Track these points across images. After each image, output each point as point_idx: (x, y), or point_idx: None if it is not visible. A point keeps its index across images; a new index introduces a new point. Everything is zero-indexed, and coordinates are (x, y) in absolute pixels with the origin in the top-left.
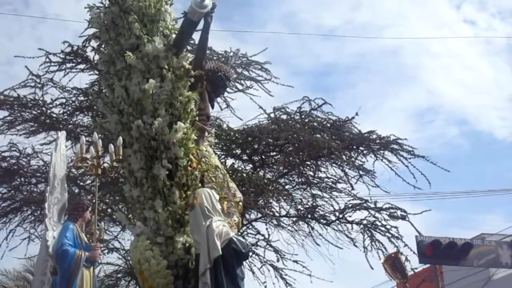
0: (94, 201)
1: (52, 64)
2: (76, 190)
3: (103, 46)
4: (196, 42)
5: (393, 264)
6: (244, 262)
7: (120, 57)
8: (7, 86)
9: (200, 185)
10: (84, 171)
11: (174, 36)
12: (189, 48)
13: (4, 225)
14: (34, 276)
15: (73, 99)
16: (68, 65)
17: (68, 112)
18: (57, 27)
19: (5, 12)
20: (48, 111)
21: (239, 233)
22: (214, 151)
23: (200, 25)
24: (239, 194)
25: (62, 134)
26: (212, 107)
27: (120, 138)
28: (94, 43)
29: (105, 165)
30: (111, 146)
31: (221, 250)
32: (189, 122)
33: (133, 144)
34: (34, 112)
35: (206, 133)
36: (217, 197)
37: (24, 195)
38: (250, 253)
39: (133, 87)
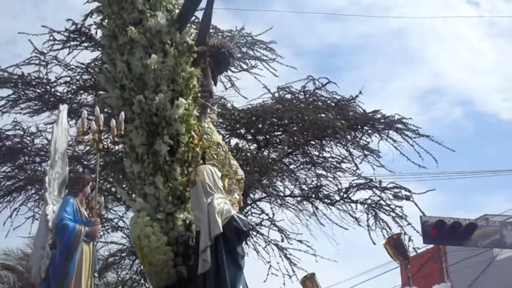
0: (95, 176)
1: (56, 42)
2: (80, 169)
3: (105, 20)
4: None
5: (395, 245)
6: (248, 241)
7: (123, 32)
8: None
9: (201, 162)
10: (86, 146)
11: (177, 11)
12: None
13: (8, 203)
14: (33, 249)
15: (77, 77)
16: (72, 43)
17: (72, 91)
18: (60, 6)
19: None
20: (52, 89)
21: (241, 211)
22: (217, 130)
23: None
24: (240, 172)
25: (64, 108)
26: (215, 84)
27: (122, 113)
28: (97, 18)
29: (108, 141)
30: (113, 121)
31: (222, 228)
32: (191, 98)
33: (135, 119)
34: (38, 90)
35: (209, 110)
36: (219, 174)
37: (28, 173)
38: (255, 233)
39: (135, 62)
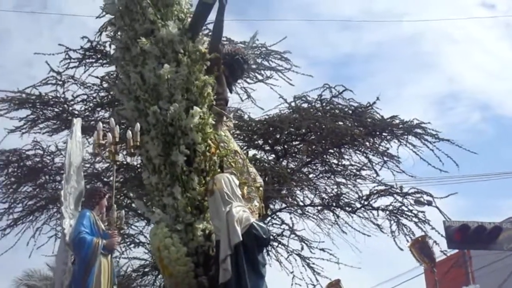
0: (112, 188)
1: (72, 60)
2: (100, 185)
3: (118, 33)
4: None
5: (420, 248)
6: (270, 252)
7: (135, 43)
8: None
9: (219, 170)
10: (102, 158)
11: (189, 19)
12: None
13: (30, 223)
14: (55, 266)
15: (94, 95)
16: (88, 60)
17: (90, 108)
18: (75, 27)
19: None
20: (70, 108)
21: (264, 219)
22: (235, 141)
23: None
24: (259, 179)
25: (78, 121)
26: (231, 92)
27: (138, 124)
28: (109, 32)
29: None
30: (129, 133)
31: (241, 236)
32: (206, 106)
33: (150, 130)
34: (56, 109)
35: (225, 118)
36: (237, 182)
37: (49, 192)
38: (276, 243)
39: (148, 73)
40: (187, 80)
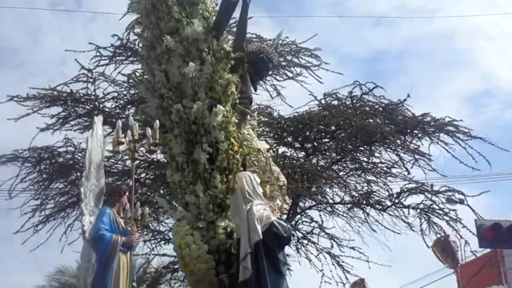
0: (133, 185)
1: (103, 58)
2: (131, 183)
3: (145, 31)
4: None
5: (443, 248)
6: (300, 250)
7: (160, 41)
8: None
9: (241, 168)
10: (122, 155)
11: (214, 18)
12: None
13: (62, 219)
14: (80, 263)
15: (125, 92)
16: (118, 58)
17: (120, 106)
18: (108, 25)
19: (58, 11)
20: (101, 105)
21: (290, 220)
22: (265, 139)
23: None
24: (282, 178)
25: (99, 119)
26: (255, 90)
27: (157, 121)
28: (137, 30)
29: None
30: (148, 130)
31: (261, 234)
32: (230, 105)
33: (174, 128)
34: (87, 107)
35: (249, 116)
36: (258, 180)
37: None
38: (306, 241)
39: (173, 71)
40: (211, 78)
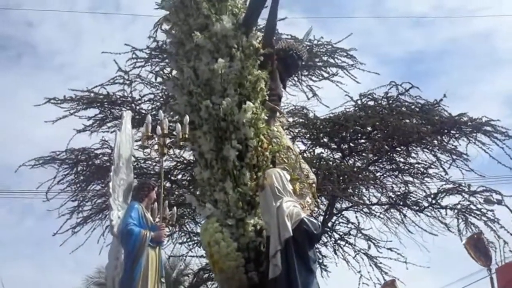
0: (161, 181)
1: (139, 60)
2: (168, 184)
3: (173, 28)
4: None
5: (476, 246)
6: (337, 251)
7: (189, 38)
8: None
9: (271, 165)
10: (151, 150)
11: (243, 15)
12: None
13: (100, 221)
14: (108, 261)
15: (161, 94)
16: (154, 60)
17: (157, 107)
18: (147, 27)
19: (98, 14)
20: (137, 107)
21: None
22: (301, 141)
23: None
24: (312, 176)
25: (128, 114)
26: (284, 88)
27: (187, 117)
28: (165, 27)
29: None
30: (178, 126)
31: (292, 231)
32: (259, 101)
33: (203, 125)
34: (123, 109)
35: (278, 114)
36: (288, 177)
37: None
38: (343, 242)
39: (202, 67)
40: (240, 75)
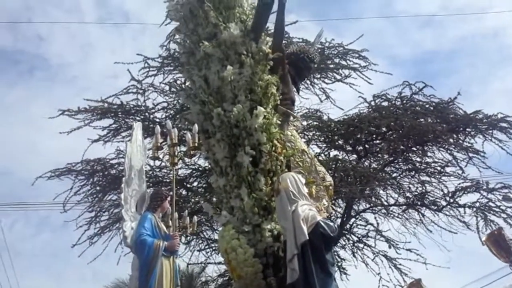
0: (172, 191)
1: (151, 69)
2: (184, 192)
3: (184, 39)
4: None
5: (496, 241)
6: (356, 254)
7: (199, 47)
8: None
9: (286, 170)
10: (161, 161)
11: (251, 21)
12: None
13: (117, 231)
14: (131, 272)
15: (174, 102)
16: (166, 68)
17: (170, 116)
18: (157, 36)
19: (107, 26)
20: (151, 116)
21: (329, 217)
22: (316, 143)
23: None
24: (328, 178)
25: (138, 125)
26: (298, 91)
27: (196, 125)
28: (177, 37)
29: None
30: (188, 134)
31: (308, 235)
32: (271, 106)
33: (216, 133)
34: (137, 118)
35: (292, 117)
36: (303, 180)
37: None
38: (362, 245)
39: (212, 75)
40: (251, 80)
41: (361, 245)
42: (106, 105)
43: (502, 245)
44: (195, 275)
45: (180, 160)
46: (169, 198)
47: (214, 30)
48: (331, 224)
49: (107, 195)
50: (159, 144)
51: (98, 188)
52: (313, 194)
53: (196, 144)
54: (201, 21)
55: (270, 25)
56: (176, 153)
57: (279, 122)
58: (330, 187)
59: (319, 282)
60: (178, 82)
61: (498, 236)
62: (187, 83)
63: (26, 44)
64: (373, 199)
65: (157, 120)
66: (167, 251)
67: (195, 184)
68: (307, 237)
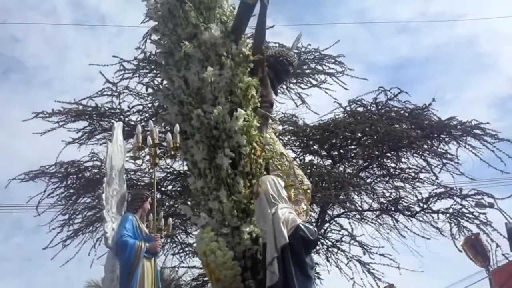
0: (154, 191)
1: (126, 71)
2: (158, 195)
3: (162, 39)
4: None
5: (473, 246)
6: (329, 258)
7: (178, 48)
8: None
9: (265, 173)
10: (142, 161)
11: (232, 22)
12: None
13: (91, 234)
14: (104, 274)
15: (149, 105)
16: (142, 71)
17: (146, 119)
18: (134, 39)
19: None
20: (126, 118)
21: (308, 220)
22: (291, 148)
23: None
24: (306, 181)
25: (119, 125)
26: (276, 94)
27: (177, 126)
28: (154, 37)
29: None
30: (169, 135)
31: (288, 238)
32: (251, 108)
33: (195, 134)
34: (112, 120)
35: (270, 120)
36: (282, 183)
37: None
38: (336, 249)
39: (192, 76)
40: (231, 82)
41: (335, 250)
42: (80, 107)
43: (478, 250)
44: (170, 279)
45: (161, 161)
46: (149, 199)
47: (194, 31)
48: (311, 227)
49: (81, 198)
50: (140, 144)
51: (71, 190)
52: (292, 197)
53: (178, 145)
54: (180, 21)
55: (248, 28)
56: (157, 154)
57: (258, 124)
58: (308, 191)
59: (299, 285)
60: (155, 82)
61: (475, 241)
62: (165, 83)
63: (1, 46)
64: (348, 204)
65: (132, 122)
66: (149, 252)
67: (169, 187)
68: (287, 240)
